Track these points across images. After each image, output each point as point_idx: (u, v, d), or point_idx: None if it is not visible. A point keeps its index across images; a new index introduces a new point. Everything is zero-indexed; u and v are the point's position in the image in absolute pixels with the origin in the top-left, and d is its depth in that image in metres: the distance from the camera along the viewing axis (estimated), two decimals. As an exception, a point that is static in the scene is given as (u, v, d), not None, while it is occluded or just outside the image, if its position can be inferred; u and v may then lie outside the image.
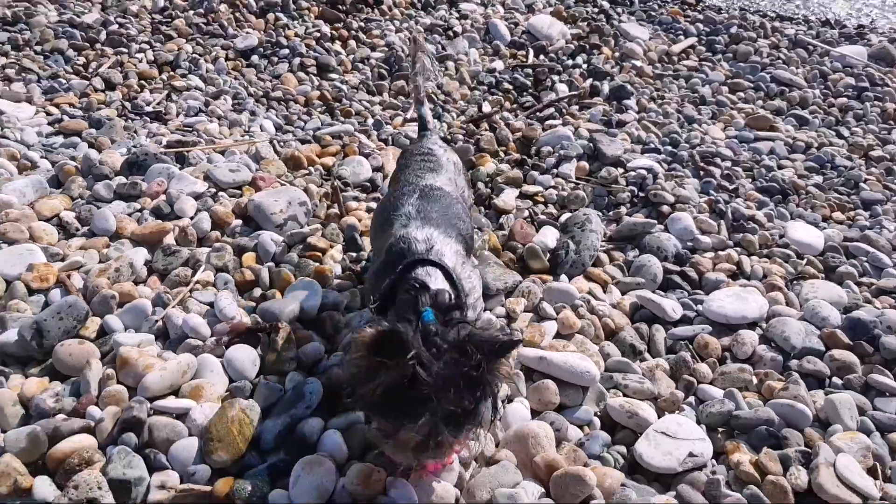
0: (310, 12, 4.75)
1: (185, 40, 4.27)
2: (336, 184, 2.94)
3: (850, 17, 5.89)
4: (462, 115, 3.94)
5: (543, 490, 1.73)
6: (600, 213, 2.93)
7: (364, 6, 4.96)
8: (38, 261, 2.29)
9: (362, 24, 4.79)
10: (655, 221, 2.81)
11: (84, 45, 4.05)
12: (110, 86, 3.75)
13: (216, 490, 1.66)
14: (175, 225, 2.55)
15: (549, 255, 2.63)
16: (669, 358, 2.21)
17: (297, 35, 4.48)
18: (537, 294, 2.38)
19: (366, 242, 2.61)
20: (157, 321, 2.14)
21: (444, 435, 1.34)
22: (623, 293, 2.50)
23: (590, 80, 4.25)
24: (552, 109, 3.92)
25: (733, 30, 5.07)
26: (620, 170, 3.17)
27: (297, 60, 4.22)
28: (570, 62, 4.53)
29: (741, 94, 4.29)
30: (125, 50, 4.03)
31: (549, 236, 2.71)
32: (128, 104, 3.60)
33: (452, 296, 1.59)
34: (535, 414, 1.96)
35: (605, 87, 4.13)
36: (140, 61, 3.99)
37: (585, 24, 5.09)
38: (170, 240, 2.50)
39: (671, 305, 2.37)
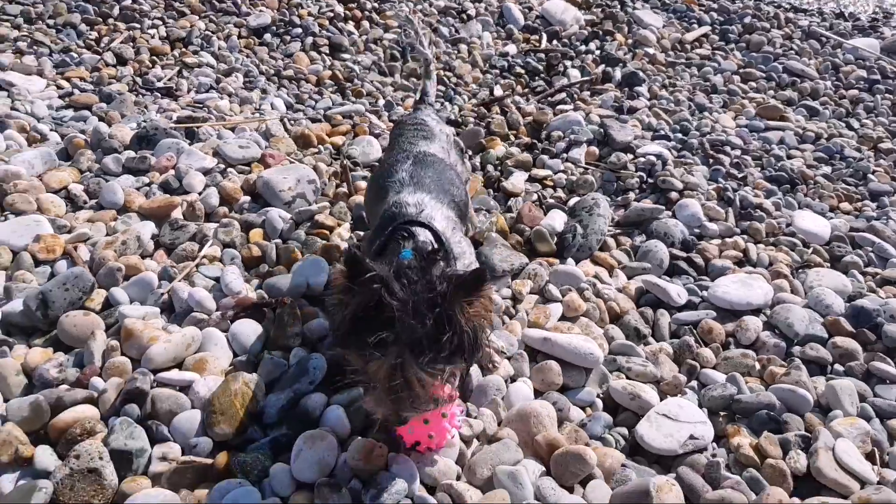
0: (323, -8, 4.75)
1: (197, 17, 4.28)
2: (345, 163, 2.94)
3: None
4: (474, 97, 3.94)
5: (544, 468, 1.74)
6: (609, 198, 2.93)
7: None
8: (45, 232, 2.30)
9: (376, 4, 4.78)
10: (663, 207, 2.81)
11: (97, 19, 4.06)
12: (122, 61, 3.77)
13: (217, 462, 1.67)
14: (183, 200, 2.56)
15: (556, 238, 2.63)
16: (673, 342, 2.21)
17: (310, 14, 4.48)
18: (544, 276, 2.38)
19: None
20: (162, 294, 2.15)
21: (413, 368, 1.34)
22: (629, 277, 2.50)
23: (602, 66, 4.25)
24: (564, 94, 3.92)
25: (747, 20, 5.05)
26: (630, 156, 3.16)
27: (309, 40, 4.23)
28: (582, 48, 4.53)
29: (753, 84, 4.27)
30: (137, 25, 4.04)
31: (556, 220, 2.71)
32: (139, 79, 3.61)
33: (437, 249, 1.62)
34: (538, 394, 1.97)
35: (618, 73, 4.13)
36: (152, 37, 4.00)
37: (599, 10, 5.07)
38: (177, 214, 2.50)
39: (676, 290, 2.36)
